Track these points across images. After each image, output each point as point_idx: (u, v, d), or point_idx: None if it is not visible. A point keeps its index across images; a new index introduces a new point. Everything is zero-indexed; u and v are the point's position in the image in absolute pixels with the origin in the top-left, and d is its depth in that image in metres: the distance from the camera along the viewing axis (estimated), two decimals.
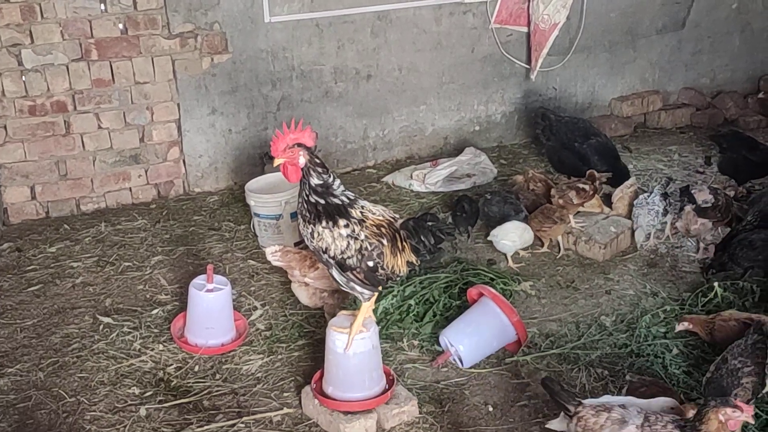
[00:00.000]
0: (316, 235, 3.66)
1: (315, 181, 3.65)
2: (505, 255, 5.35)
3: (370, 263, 3.67)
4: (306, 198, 3.68)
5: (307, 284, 4.57)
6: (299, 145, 3.64)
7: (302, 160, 3.64)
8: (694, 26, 7.78)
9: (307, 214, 3.68)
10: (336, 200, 3.67)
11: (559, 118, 6.47)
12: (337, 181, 3.71)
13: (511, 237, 5.29)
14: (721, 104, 7.87)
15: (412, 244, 3.77)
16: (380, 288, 3.81)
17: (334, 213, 3.65)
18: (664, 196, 5.47)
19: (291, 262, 4.57)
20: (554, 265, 5.32)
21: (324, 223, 3.64)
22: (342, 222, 3.64)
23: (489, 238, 5.38)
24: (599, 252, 5.34)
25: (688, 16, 7.71)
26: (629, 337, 4.45)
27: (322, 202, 3.65)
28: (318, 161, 3.68)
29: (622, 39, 7.53)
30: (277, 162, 3.67)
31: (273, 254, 4.59)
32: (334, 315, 4.10)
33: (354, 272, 3.68)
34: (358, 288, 3.76)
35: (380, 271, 3.69)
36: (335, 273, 3.75)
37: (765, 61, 8.14)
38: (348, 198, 3.70)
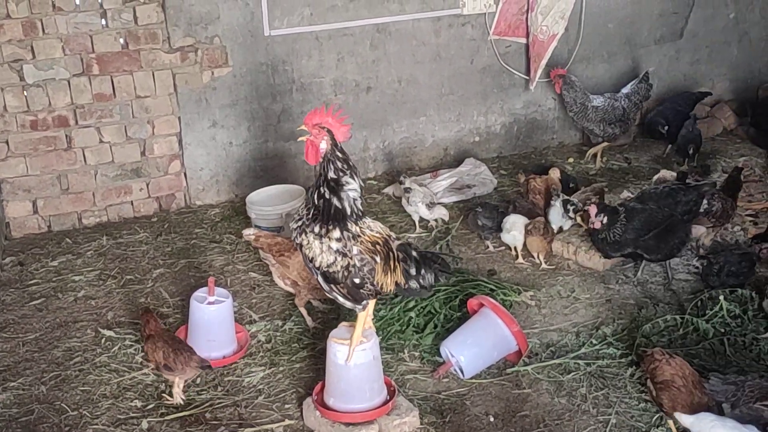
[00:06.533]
0: (305, 243, 3.66)
1: (331, 174, 3.62)
2: (514, 248, 5.45)
3: (357, 280, 3.64)
4: (317, 188, 3.62)
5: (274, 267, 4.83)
6: (329, 131, 3.62)
7: (324, 145, 3.61)
8: (692, 36, 7.80)
9: (305, 211, 3.67)
10: (340, 204, 3.61)
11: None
12: (354, 187, 3.67)
13: (519, 228, 5.38)
14: (719, 113, 7.88)
15: (404, 267, 3.74)
16: (364, 302, 3.77)
17: (333, 218, 3.60)
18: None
19: (263, 246, 4.83)
20: (554, 275, 5.33)
21: (317, 230, 3.62)
22: (335, 234, 3.61)
23: (501, 233, 5.45)
24: (599, 261, 5.35)
25: (686, 26, 7.73)
26: (630, 346, 4.46)
27: (329, 199, 3.60)
28: (340, 156, 3.62)
29: (621, 49, 7.55)
30: (301, 137, 3.67)
31: (248, 236, 4.89)
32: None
33: (337, 286, 3.69)
34: (340, 299, 3.75)
35: (367, 287, 3.67)
36: (321, 280, 3.74)
37: (763, 71, 8.15)
38: (352, 208, 3.64)
